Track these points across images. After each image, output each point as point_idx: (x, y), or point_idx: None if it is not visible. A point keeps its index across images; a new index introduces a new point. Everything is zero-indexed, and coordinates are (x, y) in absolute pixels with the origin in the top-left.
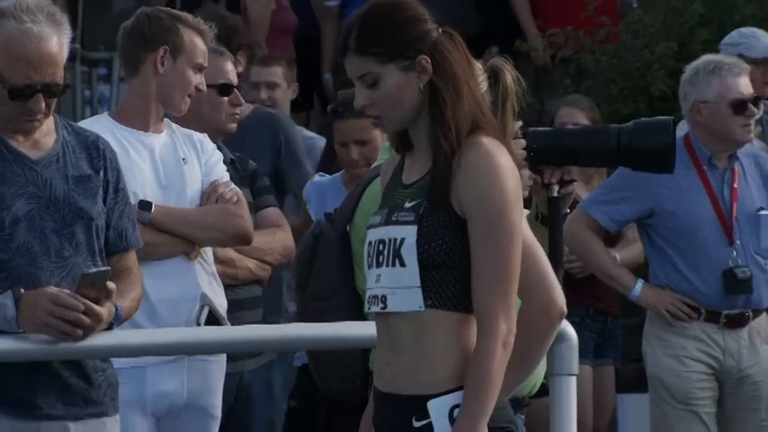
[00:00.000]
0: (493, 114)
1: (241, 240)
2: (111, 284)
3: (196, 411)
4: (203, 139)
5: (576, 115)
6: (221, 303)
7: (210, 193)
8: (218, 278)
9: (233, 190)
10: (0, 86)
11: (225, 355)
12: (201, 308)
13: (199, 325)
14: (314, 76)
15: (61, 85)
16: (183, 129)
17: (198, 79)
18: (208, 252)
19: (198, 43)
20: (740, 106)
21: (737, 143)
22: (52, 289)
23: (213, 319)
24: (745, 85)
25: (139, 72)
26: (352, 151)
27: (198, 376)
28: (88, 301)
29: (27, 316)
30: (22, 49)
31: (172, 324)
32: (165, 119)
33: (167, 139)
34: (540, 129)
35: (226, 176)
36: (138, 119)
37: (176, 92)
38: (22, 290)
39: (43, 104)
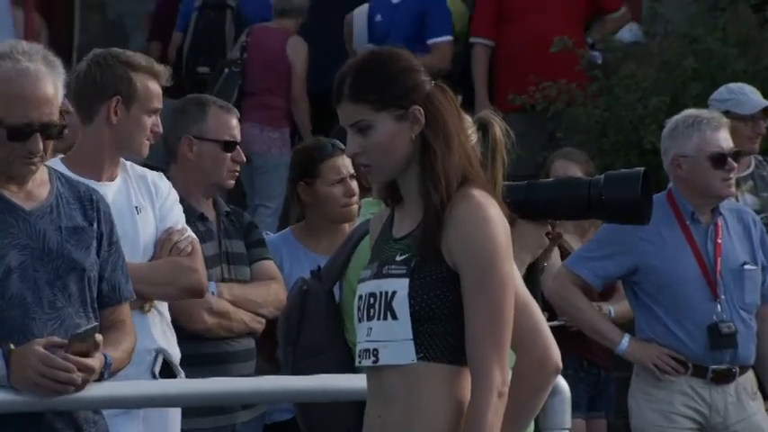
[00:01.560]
0: (483, 166)
1: (193, 294)
2: (98, 337)
3: None
4: (158, 180)
5: (570, 168)
6: (175, 353)
7: (165, 242)
8: (172, 327)
9: (188, 238)
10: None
11: None
12: (155, 357)
13: (154, 375)
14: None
15: (58, 126)
16: (137, 168)
17: (153, 121)
18: (162, 303)
19: (152, 87)
20: (719, 160)
21: (718, 197)
22: (40, 349)
23: (168, 369)
24: (724, 139)
25: (93, 121)
26: (352, 184)
27: (155, 426)
28: (79, 359)
29: (18, 374)
30: (19, 88)
31: (125, 377)
32: (122, 159)
33: (121, 185)
34: (514, 183)
35: (181, 221)
36: (91, 167)
37: (134, 138)
38: (12, 345)
39: (41, 145)
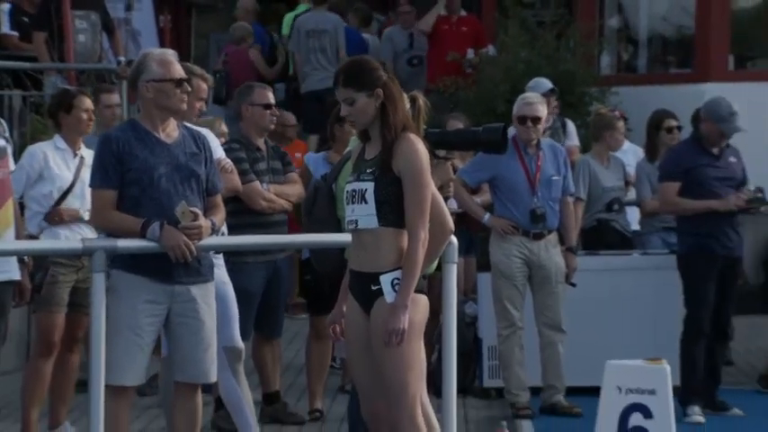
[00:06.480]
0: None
1: (234, 191)
2: (192, 209)
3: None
4: (206, 134)
5: (457, 124)
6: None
7: (217, 164)
8: None
9: (228, 161)
10: (168, 83)
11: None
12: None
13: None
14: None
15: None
16: (193, 127)
17: (200, 105)
18: None
19: (202, 86)
20: (522, 120)
21: (524, 141)
22: (185, 238)
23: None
24: (528, 110)
25: None
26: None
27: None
28: (197, 223)
29: (167, 241)
30: (170, 60)
31: None
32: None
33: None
34: (434, 130)
35: (223, 154)
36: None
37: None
38: (166, 222)
39: (189, 88)
